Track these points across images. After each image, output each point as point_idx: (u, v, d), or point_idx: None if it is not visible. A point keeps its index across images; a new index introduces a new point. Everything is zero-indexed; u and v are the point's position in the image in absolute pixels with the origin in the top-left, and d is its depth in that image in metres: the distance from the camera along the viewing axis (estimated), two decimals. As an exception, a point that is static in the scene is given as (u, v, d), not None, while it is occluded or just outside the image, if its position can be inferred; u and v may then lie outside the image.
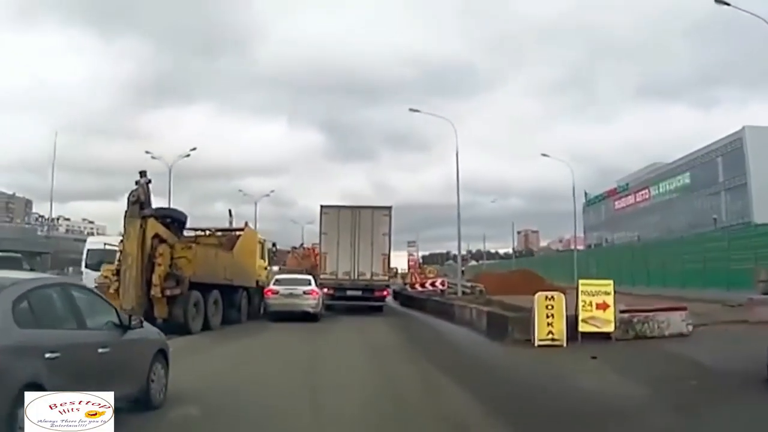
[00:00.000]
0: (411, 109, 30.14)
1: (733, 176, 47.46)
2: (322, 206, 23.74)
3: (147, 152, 43.42)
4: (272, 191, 74.00)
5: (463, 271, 33.04)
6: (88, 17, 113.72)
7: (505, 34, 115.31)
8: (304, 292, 19.21)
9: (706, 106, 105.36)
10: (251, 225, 23.44)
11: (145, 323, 6.51)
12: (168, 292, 13.97)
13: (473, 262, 72.59)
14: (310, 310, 18.96)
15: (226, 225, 21.48)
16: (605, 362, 10.02)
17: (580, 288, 12.51)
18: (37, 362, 4.42)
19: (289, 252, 45.04)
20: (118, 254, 14.79)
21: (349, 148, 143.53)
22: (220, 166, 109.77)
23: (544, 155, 44.07)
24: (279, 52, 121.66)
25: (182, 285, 14.16)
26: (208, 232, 19.09)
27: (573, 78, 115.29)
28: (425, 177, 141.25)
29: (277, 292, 19.21)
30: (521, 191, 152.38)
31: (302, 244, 41.80)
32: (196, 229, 18.94)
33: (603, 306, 12.36)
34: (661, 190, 58.53)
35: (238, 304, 17.99)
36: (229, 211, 21.10)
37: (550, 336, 11.99)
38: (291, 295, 19.00)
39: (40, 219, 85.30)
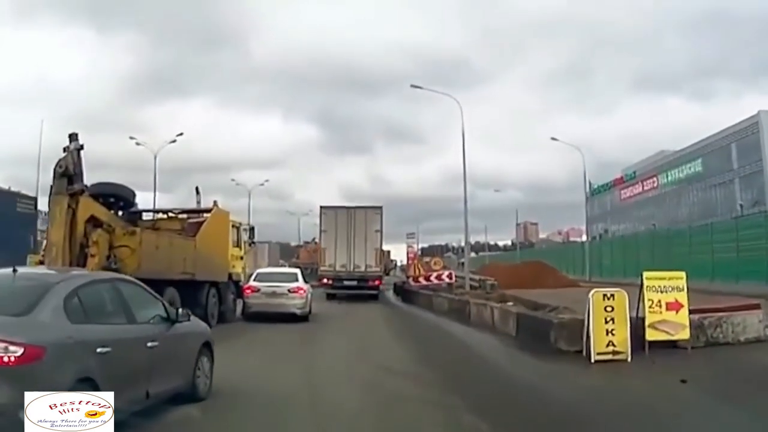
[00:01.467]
0: (413, 86, 29.48)
1: (748, 162, 45.15)
2: (321, 207, 27.32)
3: (131, 137, 40.88)
4: (266, 180, 72.12)
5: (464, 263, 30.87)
6: (86, 12, 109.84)
7: (502, 26, 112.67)
8: (290, 290, 16.44)
9: (702, 98, 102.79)
10: (244, 216, 20.43)
11: (192, 316, 6.39)
12: None
13: (473, 254, 69.89)
14: (297, 311, 16.17)
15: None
16: (706, 390, 7.13)
17: (646, 283, 9.66)
18: (89, 357, 4.42)
19: (301, 246, 53.54)
20: (43, 243, 11.56)
21: (346, 141, 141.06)
22: (217, 160, 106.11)
23: (553, 139, 41.94)
24: (276, 46, 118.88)
25: None
26: (170, 214, 15.68)
27: (569, 71, 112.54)
28: (422, 170, 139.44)
29: (257, 290, 16.49)
30: (518, 184, 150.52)
31: (314, 239, 44.73)
32: (156, 211, 15.86)
33: (675, 306, 9.66)
34: (670, 178, 55.78)
35: (204, 304, 14.38)
36: (196, 188, 17.20)
37: (610, 348, 9.15)
38: (274, 293, 16.29)
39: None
